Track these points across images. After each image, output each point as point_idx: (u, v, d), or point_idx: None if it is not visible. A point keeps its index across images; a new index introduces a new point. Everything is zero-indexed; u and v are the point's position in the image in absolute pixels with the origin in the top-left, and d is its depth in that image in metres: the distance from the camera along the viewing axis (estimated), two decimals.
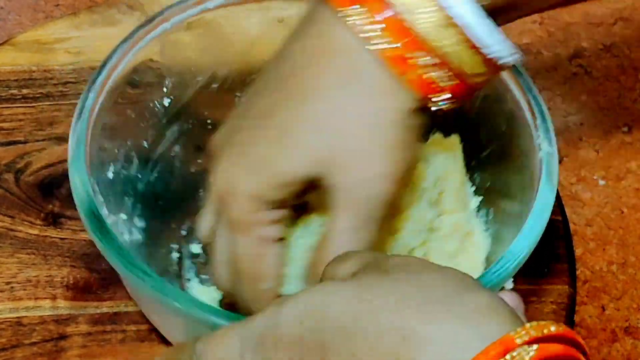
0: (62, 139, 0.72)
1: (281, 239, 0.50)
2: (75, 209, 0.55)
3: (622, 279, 0.76)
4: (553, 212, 0.77)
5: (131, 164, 0.61)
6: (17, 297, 0.67)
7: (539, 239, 0.56)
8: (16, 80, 0.79)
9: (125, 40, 0.60)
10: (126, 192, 0.60)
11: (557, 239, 0.76)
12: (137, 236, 0.52)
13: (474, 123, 0.67)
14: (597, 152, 0.85)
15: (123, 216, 0.57)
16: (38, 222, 0.71)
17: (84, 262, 0.69)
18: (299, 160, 0.47)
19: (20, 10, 0.89)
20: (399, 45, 0.44)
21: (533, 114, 0.62)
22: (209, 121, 0.69)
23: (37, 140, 0.76)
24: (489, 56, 0.45)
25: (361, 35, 0.44)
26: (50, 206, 0.72)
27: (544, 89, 0.88)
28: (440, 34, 0.44)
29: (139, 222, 0.61)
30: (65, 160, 0.58)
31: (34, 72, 0.80)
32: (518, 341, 0.32)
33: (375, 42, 0.44)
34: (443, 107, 0.46)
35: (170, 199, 0.65)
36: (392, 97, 0.45)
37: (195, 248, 0.65)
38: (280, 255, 0.50)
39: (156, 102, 0.64)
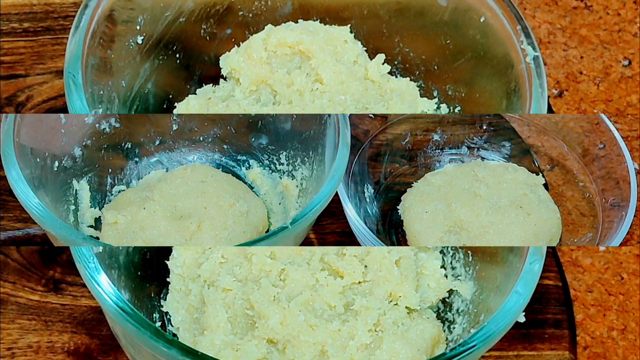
0: (63, 73, 0.72)
1: None
2: (77, 275, 0.55)
3: (623, 346, 0.76)
4: (553, 278, 0.77)
5: (113, 103, 0.63)
6: None
7: None
8: (17, 13, 0.79)
9: None
10: (111, 265, 0.60)
11: (557, 305, 0.76)
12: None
13: (444, 34, 0.68)
14: (597, 85, 0.85)
15: None
16: (39, 288, 0.71)
17: (85, 327, 0.69)
18: None
19: None
20: None
21: (511, 20, 0.62)
22: (177, 55, 0.69)
23: (38, 74, 0.76)
24: None
25: None
26: (51, 272, 0.72)
27: (544, 22, 0.88)
28: None
29: (125, 294, 0.61)
30: None
31: (34, 5, 0.80)
32: None
33: None
34: None
35: (146, 269, 0.66)
36: None
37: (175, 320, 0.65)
38: None
39: (131, 40, 0.65)
